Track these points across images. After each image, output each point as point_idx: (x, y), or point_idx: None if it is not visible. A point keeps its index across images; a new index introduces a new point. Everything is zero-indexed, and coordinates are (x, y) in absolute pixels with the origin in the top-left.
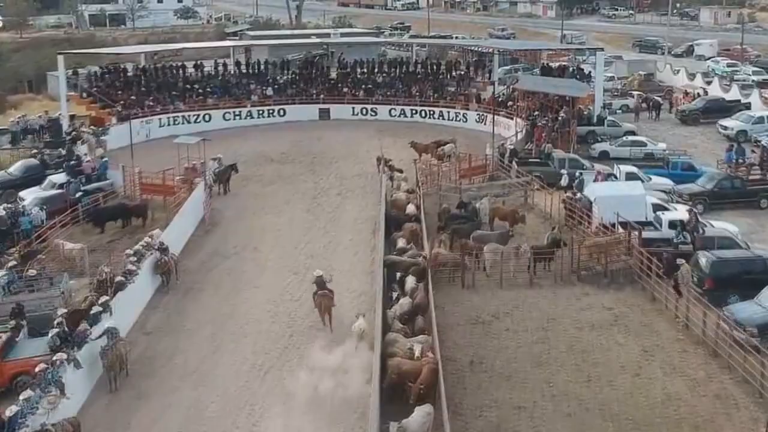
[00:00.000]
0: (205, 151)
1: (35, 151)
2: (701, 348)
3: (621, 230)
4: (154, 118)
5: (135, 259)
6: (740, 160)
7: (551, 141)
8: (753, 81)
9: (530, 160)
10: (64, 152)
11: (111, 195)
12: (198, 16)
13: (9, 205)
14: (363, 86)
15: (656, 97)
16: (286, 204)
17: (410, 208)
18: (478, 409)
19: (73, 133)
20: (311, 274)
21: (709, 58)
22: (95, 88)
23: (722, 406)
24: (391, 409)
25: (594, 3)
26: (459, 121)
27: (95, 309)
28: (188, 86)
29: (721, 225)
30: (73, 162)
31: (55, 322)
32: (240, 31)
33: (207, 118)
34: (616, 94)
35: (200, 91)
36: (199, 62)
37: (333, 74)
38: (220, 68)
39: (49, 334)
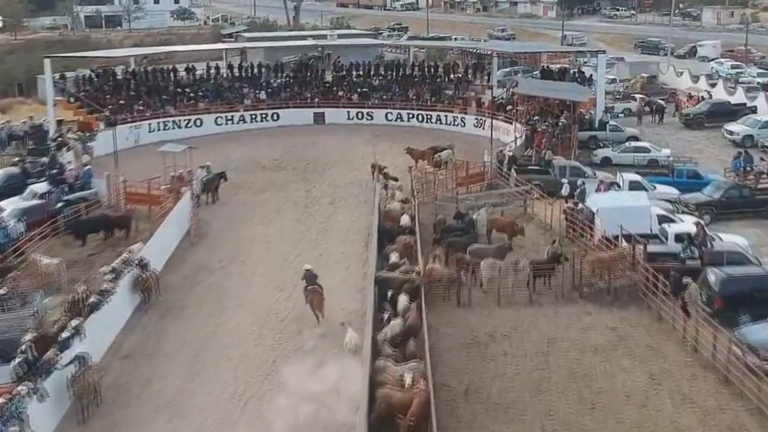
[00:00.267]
0: (192, 159)
1: (17, 159)
2: (712, 373)
3: (625, 244)
4: (143, 123)
5: (112, 276)
6: (748, 168)
7: (551, 147)
8: (758, 83)
9: (530, 167)
10: (47, 160)
11: (94, 205)
12: (194, 17)
13: None
14: (359, 90)
15: (659, 101)
16: (276, 213)
17: (404, 220)
18: None
19: (59, 139)
20: (299, 290)
21: (712, 60)
22: (83, 93)
23: None
24: None
25: (595, 3)
26: (457, 125)
27: (66, 333)
28: (179, 90)
29: (729, 238)
30: (55, 171)
31: (21, 349)
32: (236, 32)
33: (198, 122)
34: (618, 97)
35: (191, 95)
36: (190, 65)
37: (328, 77)
38: (213, 71)
39: (14, 362)
